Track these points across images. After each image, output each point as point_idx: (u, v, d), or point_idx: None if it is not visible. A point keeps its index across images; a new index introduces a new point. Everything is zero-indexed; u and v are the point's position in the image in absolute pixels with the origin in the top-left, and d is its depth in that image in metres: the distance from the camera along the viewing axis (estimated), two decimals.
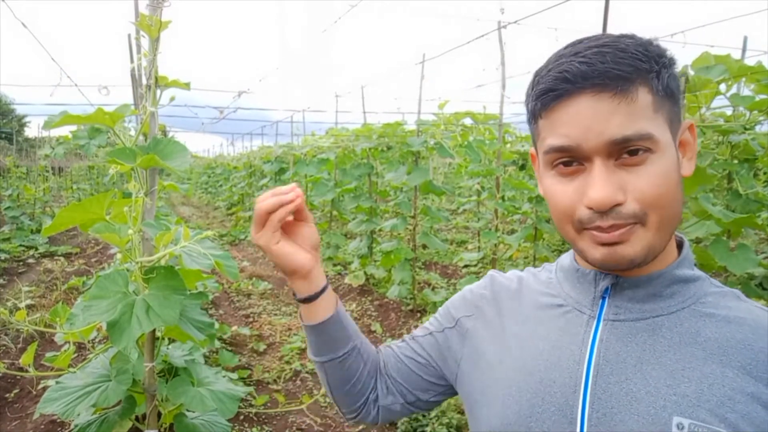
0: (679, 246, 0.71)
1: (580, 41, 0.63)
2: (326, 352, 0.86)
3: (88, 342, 2.05)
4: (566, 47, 0.64)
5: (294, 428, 2.97)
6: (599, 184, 0.60)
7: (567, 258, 0.77)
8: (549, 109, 0.63)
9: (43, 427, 2.80)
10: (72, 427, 1.96)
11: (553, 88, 0.61)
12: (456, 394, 0.87)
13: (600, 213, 0.61)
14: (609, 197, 0.59)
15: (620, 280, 0.67)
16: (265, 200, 0.77)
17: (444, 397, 0.89)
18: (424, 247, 6.63)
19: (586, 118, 0.60)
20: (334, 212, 7.15)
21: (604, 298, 0.69)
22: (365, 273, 5.77)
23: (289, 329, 4.55)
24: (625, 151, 0.60)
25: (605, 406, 0.62)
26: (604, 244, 0.62)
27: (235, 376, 3.41)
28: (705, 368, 0.61)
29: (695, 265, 0.71)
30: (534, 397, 0.67)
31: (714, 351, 0.61)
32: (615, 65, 0.58)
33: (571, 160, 0.63)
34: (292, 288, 0.85)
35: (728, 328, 0.63)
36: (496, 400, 0.72)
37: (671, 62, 0.62)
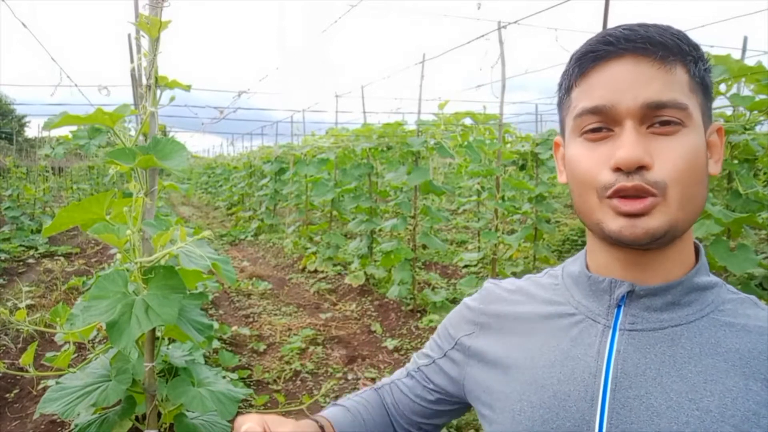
0: (696, 252, 0.68)
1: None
2: None
3: (88, 342, 2.05)
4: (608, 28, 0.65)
5: None
6: (628, 145, 0.59)
7: (576, 264, 0.73)
8: (586, 72, 0.63)
9: (43, 427, 2.80)
10: (72, 427, 1.96)
11: (593, 50, 0.62)
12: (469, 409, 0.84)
13: (625, 174, 0.59)
14: (637, 156, 0.58)
15: (637, 288, 0.64)
16: None
17: (449, 419, 0.87)
18: (424, 247, 6.62)
19: (623, 81, 0.60)
20: (334, 212, 7.15)
21: (619, 307, 0.66)
22: (365, 273, 5.76)
23: (289, 329, 4.55)
24: (658, 119, 0.60)
25: (625, 421, 0.60)
26: (625, 215, 0.60)
27: (235, 376, 3.41)
28: (728, 381, 0.58)
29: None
30: (548, 413, 0.64)
31: (736, 363, 0.59)
32: (658, 35, 0.60)
33: (600, 126, 0.62)
34: None
35: (749, 338, 0.61)
36: (506, 416, 0.69)
37: (704, 57, 0.63)
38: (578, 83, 0.64)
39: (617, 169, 0.60)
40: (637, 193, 0.59)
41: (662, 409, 0.58)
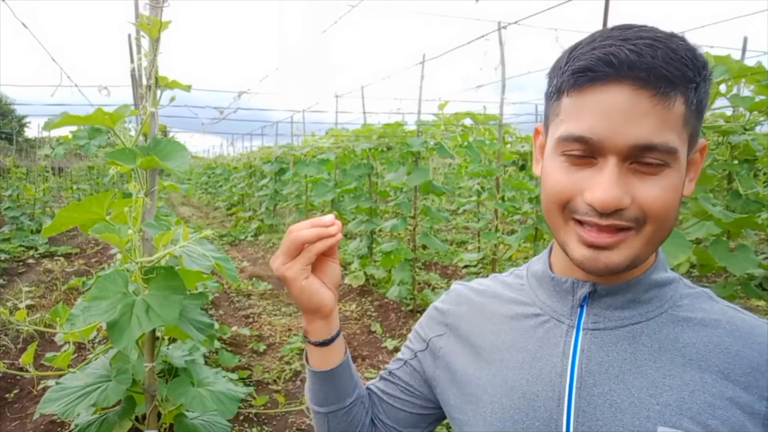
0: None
1: (629, 27, 0.59)
2: (334, 401, 0.80)
3: (88, 342, 2.05)
4: (613, 29, 0.59)
5: (294, 428, 2.97)
6: (608, 185, 0.57)
7: (539, 264, 0.74)
8: (581, 89, 0.58)
9: (43, 427, 2.80)
10: (72, 427, 1.96)
11: (593, 69, 0.57)
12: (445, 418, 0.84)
13: (599, 213, 0.58)
14: (615, 200, 0.57)
15: (598, 287, 0.66)
16: (302, 229, 0.69)
17: (434, 425, 0.85)
18: (424, 247, 6.62)
19: (618, 113, 0.56)
20: (334, 212, 7.14)
21: (582, 307, 0.67)
22: (365, 273, 5.77)
23: (289, 329, 4.55)
24: (643, 157, 0.57)
25: (590, 419, 0.61)
26: (590, 246, 0.60)
27: (235, 376, 3.41)
28: (685, 375, 0.60)
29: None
30: (517, 413, 0.66)
31: (692, 357, 0.61)
32: (664, 64, 0.55)
33: (583, 154, 0.59)
34: (307, 330, 0.77)
35: (705, 332, 0.63)
36: (478, 418, 0.70)
37: (709, 76, 0.59)
38: (570, 94, 0.60)
39: (592, 206, 0.59)
40: (609, 230, 0.59)
41: (625, 405, 0.61)
